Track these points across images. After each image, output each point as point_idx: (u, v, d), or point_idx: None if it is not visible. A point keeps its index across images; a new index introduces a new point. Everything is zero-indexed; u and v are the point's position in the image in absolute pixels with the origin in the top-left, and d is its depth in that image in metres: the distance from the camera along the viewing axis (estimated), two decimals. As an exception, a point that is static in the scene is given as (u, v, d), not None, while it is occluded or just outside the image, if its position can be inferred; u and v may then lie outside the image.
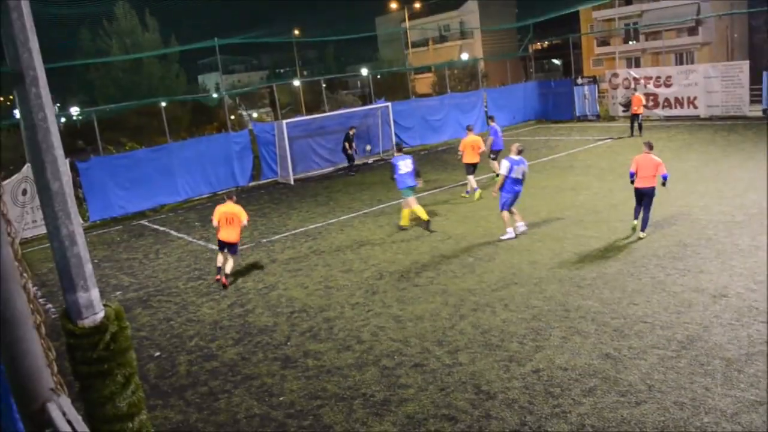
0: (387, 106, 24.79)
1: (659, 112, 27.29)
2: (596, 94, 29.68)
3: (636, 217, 11.11)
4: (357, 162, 22.94)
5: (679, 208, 12.52)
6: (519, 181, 11.50)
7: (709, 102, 25.84)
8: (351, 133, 22.38)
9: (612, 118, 28.70)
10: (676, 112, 26.92)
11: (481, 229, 12.68)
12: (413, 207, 13.01)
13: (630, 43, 59.54)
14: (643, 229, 10.93)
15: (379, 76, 47.64)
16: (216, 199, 19.92)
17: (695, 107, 26.16)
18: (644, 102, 23.95)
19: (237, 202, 11.19)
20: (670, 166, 16.67)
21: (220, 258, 11.09)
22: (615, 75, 29.23)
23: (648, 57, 57.76)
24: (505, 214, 11.69)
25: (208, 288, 11.10)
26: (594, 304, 8.27)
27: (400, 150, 13.66)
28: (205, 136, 24.24)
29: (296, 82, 49.07)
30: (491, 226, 12.72)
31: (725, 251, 9.77)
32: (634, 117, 23.43)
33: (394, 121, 24.84)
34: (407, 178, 12.88)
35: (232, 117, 33.58)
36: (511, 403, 6.14)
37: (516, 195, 11.60)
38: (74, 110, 32.26)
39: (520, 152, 11.54)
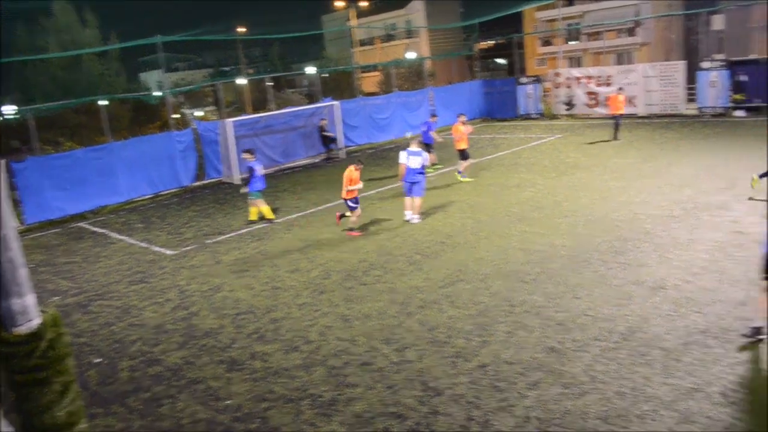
0: (334, 105, 24.69)
1: (601, 110, 28.00)
2: (540, 93, 30.25)
3: None
4: (317, 158, 24.03)
5: (620, 204, 12.86)
6: (415, 171, 12.97)
7: (647, 101, 26.67)
8: (322, 124, 23.89)
9: (555, 117, 29.29)
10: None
11: (427, 227, 12.75)
12: (260, 207, 14.71)
13: (572, 43, 60.91)
14: None
15: (326, 75, 47.41)
16: (158, 200, 19.48)
17: (634, 106, 26.94)
18: (623, 101, 22.00)
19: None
20: (611, 164, 17.23)
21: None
22: (557, 74, 29.84)
23: (589, 57, 59.16)
24: (407, 199, 13.21)
25: (151, 291, 10.82)
26: (538, 299, 8.41)
27: (251, 153, 15.01)
28: (147, 136, 23.67)
29: (241, 81, 48.37)
30: (437, 224, 12.82)
31: (663, 245, 10.09)
32: (615, 118, 21.61)
33: (339, 120, 24.78)
34: (258, 182, 14.51)
35: (175, 116, 32.84)
36: (458, 399, 6.18)
37: (413, 184, 13.02)
38: (9, 109, 30.97)
39: (421, 144, 13.71)
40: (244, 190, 15.03)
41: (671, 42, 59.91)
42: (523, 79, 30.88)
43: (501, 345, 7.21)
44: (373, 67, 50.93)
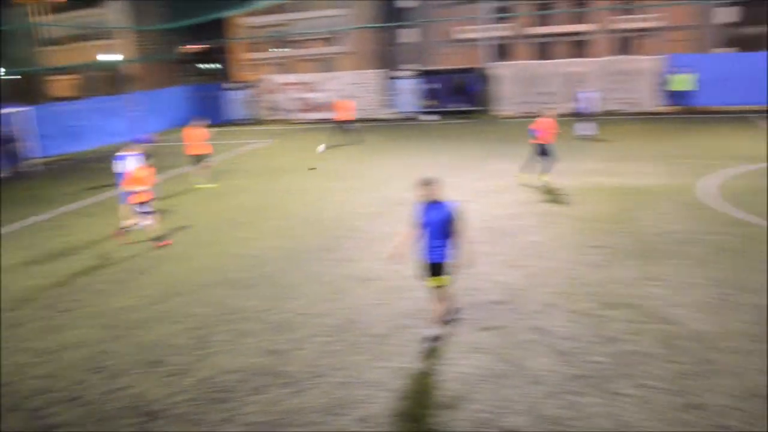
0: (19, 112, 21.80)
1: (306, 115, 29.19)
2: (248, 99, 30.44)
3: None
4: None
5: (331, 205, 13.52)
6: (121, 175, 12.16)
7: (350, 106, 28.54)
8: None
9: (264, 122, 29.75)
10: (322, 115, 29.13)
11: (142, 240, 11.94)
12: None
13: (279, 50, 62.40)
14: None
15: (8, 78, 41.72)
16: None
17: (339, 111, 28.61)
18: (350, 107, 22.29)
19: None
20: (323, 167, 18.05)
21: None
22: (266, 80, 30.35)
23: (296, 64, 61.29)
24: (124, 207, 12.03)
25: None
26: (256, 303, 8.41)
27: None
28: None
29: None
30: (153, 236, 12.08)
31: (370, 239, 10.85)
32: (342, 124, 21.83)
33: (29, 129, 21.98)
34: None
35: None
36: (179, 419, 5.87)
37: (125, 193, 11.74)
38: None
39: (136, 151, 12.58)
40: None
41: (371, 52, 64.96)
42: (231, 85, 30.81)
43: (221, 355, 7.05)
44: (63, 70, 46.19)
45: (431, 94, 28.28)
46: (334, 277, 9.20)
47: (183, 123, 29.88)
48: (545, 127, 14.07)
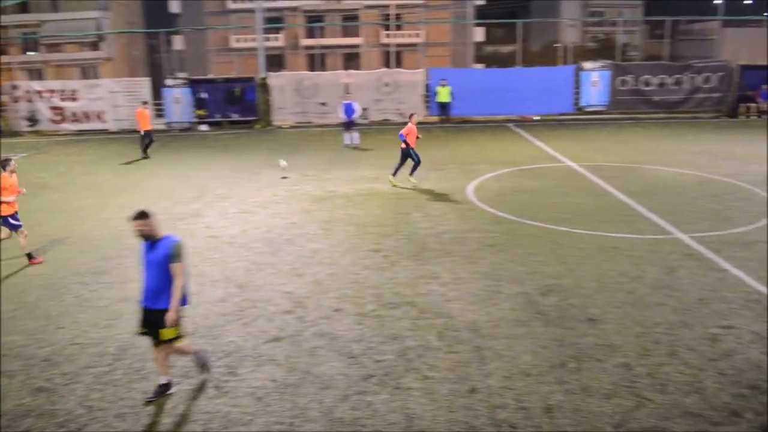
0: None
1: (68, 126, 26.73)
2: (-4, 108, 27.05)
3: None
4: None
5: (100, 222, 12.48)
6: None
7: (116, 116, 26.70)
8: None
9: (17, 134, 26.63)
10: (86, 126, 26.89)
11: None
12: None
13: (30, 53, 56.40)
14: None
15: None
16: None
17: (104, 121, 26.63)
18: (148, 115, 20.49)
19: None
20: (83, 181, 16.57)
21: None
22: (15, 87, 27.17)
23: (52, 69, 55.84)
24: None
25: None
26: (17, 339, 7.45)
27: None
28: None
29: None
30: None
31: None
32: (144, 135, 19.97)
33: None
34: None
35: None
36: None
37: None
38: None
39: None
40: None
41: (135, 58, 61.28)
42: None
43: (-26, 402, 6.13)
44: None
45: (206, 104, 27.51)
46: (108, 301, 8.50)
47: None
48: (411, 132, 14.87)
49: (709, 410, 5.64)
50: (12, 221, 10.07)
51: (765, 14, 46.75)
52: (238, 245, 10.78)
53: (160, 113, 27.55)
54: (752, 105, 27.53)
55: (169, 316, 5.76)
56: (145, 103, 22.43)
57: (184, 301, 5.95)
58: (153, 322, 5.89)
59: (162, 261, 5.77)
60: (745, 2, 55.68)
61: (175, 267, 5.76)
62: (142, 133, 20.01)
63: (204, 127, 27.10)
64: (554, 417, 5.59)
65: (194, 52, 55.04)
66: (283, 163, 16.78)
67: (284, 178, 16.23)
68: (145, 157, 19.97)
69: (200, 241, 11.03)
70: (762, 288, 8.41)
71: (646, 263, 9.43)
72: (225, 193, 14.83)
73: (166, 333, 5.85)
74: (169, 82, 27.67)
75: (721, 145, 20.27)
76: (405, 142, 14.89)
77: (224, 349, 7.01)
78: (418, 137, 15.14)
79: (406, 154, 15.05)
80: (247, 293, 8.63)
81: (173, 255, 5.77)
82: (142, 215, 5.79)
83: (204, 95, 27.52)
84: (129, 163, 19.34)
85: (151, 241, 5.86)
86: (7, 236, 10.24)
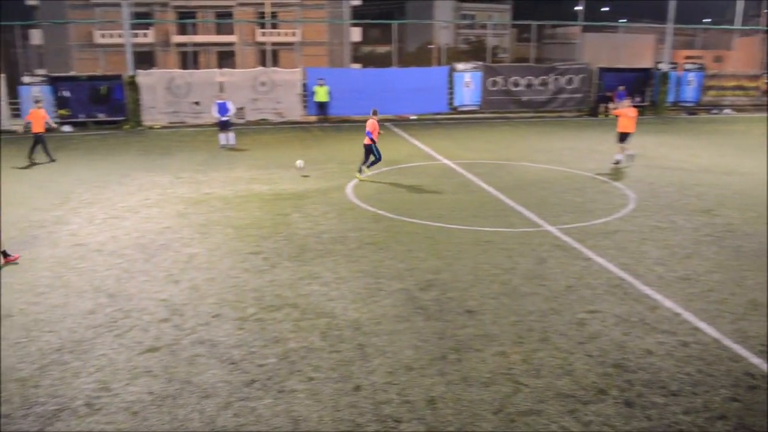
0: None
1: None
2: None
3: None
4: None
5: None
6: None
7: (-35, 116, 24.38)
8: None
9: None
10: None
11: None
12: None
13: None
14: None
15: None
16: None
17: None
18: (45, 116, 18.84)
19: None
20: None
21: None
22: None
23: None
24: None
25: None
26: None
27: None
28: None
29: None
30: None
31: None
32: (37, 138, 18.49)
33: None
34: None
35: None
36: None
37: None
38: None
39: None
40: None
41: (-13, 54, 56.22)
42: None
43: None
44: None
45: (69, 103, 25.78)
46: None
47: None
48: (374, 128, 15.40)
49: (580, 390, 6.02)
50: None
51: (620, 21, 50.53)
52: (107, 252, 10.18)
53: (16, 113, 25.50)
54: (611, 105, 29.71)
55: None
56: (37, 102, 20.23)
57: None
58: None
59: None
60: (602, 9, 60.02)
61: None
62: (37, 135, 18.45)
63: (67, 128, 25.37)
64: (437, 408, 5.73)
65: (55, 48, 51.31)
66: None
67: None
68: (33, 163, 18.31)
69: (64, 249, 10.32)
70: (623, 274, 9.09)
71: (519, 255, 9.92)
72: (92, 198, 13.97)
73: None
74: (26, 79, 25.67)
75: (583, 142, 21.76)
76: (371, 138, 15.32)
77: (95, 363, 6.59)
78: (379, 133, 15.75)
79: (369, 149, 15.50)
80: (119, 303, 8.17)
81: None
82: None
83: (66, 94, 25.77)
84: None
85: None
86: None
